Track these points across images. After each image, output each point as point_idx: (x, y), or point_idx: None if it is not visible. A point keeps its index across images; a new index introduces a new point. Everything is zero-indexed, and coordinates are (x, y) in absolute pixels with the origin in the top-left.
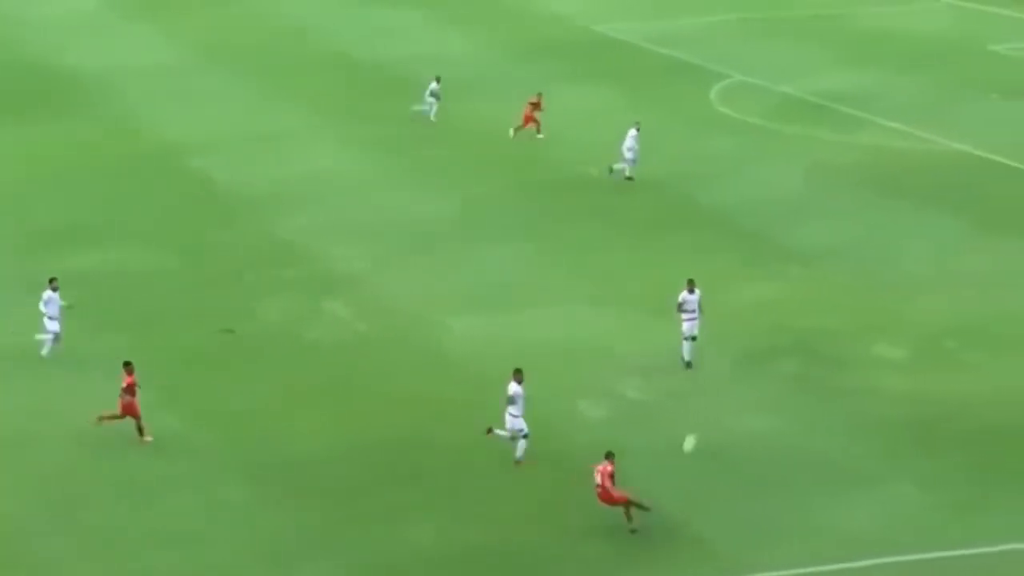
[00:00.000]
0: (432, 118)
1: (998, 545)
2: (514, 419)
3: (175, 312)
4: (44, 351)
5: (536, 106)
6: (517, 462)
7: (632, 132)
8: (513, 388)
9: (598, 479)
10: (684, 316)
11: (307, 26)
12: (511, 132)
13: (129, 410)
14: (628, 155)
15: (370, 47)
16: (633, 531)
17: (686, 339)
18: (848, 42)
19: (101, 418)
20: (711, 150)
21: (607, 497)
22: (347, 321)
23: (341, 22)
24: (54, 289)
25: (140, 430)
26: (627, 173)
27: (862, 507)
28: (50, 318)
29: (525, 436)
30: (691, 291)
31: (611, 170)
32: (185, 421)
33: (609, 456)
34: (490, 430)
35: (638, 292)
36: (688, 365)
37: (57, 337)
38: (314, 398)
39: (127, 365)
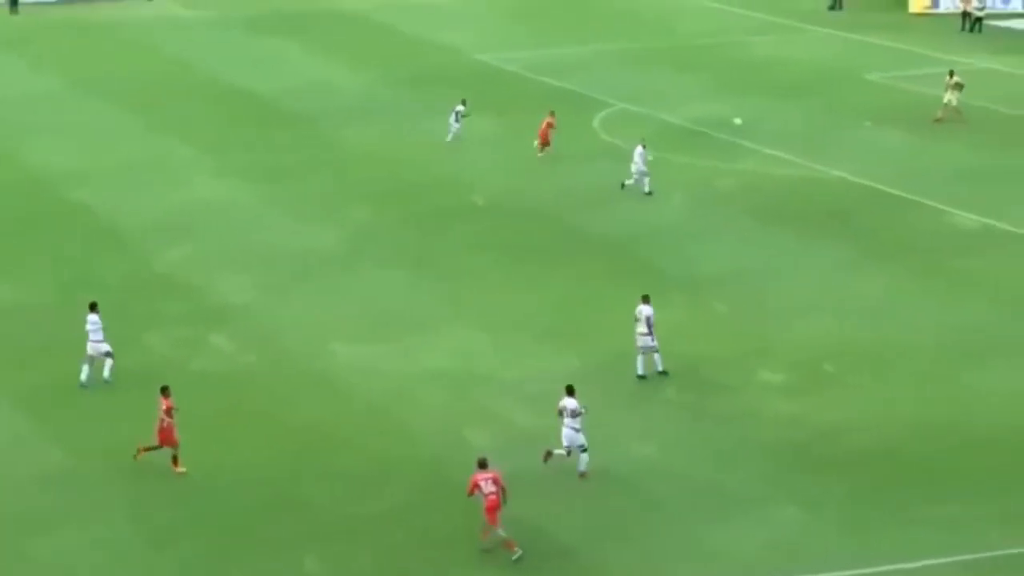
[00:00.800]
0: (449, 138)
1: (882, 566)
2: (576, 433)
3: (56, 346)
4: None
5: (551, 125)
6: (582, 475)
7: (638, 149)
8: (572, 403)
9: (492, 487)
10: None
11: (188, 56)
12: (538, 150)
13: (167, 438)
14: (635, 170)
15: (254, 76)
16: (518, 559)
17: (647, 352)
18: (728, 70)
19: (140, 450)
20: (595, 177)
21: (497, 506)
22: (232, 352)
23: (223, 52)
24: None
25: (175, 460)
26: (645, 188)
27: (749, 531)
28: None
29: (584, 449)
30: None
31: (623, 185)
32: (69, 455)
33: (483, 463)
34: (548, 454)
35: (524, 320)
36: (662, 373)
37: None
38: (200, 429)
39: (164, 390)
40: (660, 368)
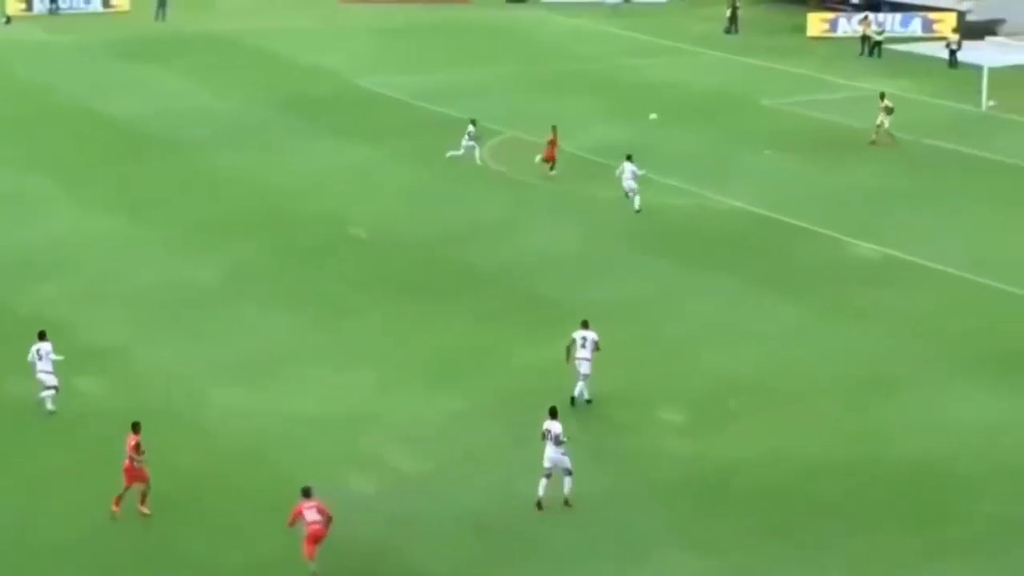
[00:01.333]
0: (478, 161)
1: None
2: (562, 456)
3: None
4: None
5: (553, 143)
6: (567, 502)
7: (627, 166)
8: (556, 426)
9: (315, 516)
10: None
11: (48, 82)
12: (548, 170)
13: (136, 476)
14: (626, 187)
15: (119, 103)
16: None
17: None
18: (622, 95)
19: (114, 504)
20: (483, 209)
21: (319, 537)
22: (102, 396)
23: (86, 77)
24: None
25: (143, 498)
26: (636, 206)
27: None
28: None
29: (569, 472)
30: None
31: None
32: None
33: (307, 492)
34: (539, 505)
35: (409, 359)
36: (588, 402)
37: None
38: (64, 479)
39: (135, 426)
40: (587, 397)
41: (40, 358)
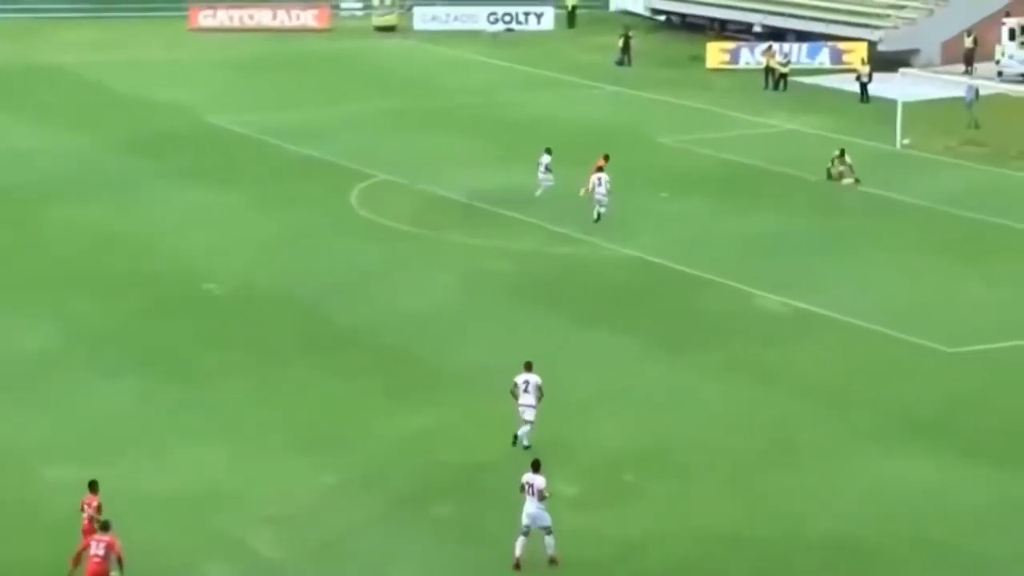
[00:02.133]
0: (538, 193)
1: None
2: (542, 512)
3: None
4: None
5: (600, 169)
6: (552, 560)
7: (599, 176)
8: (539, 481)
9: (100, 551)
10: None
11: None
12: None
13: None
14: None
15: None
16: None
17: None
18: (503, 133)
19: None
20: (351, 260)
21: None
22: None
23: None
24: None
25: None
26: (603, 211)
27: None
28: None
29: (549, 532)
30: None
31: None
32: None
33: (105, 526)
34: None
35: (268, 428)
36: (527, 447)
37: None
38: None
39: (92, 485)
40: (526, 443)
41: None
